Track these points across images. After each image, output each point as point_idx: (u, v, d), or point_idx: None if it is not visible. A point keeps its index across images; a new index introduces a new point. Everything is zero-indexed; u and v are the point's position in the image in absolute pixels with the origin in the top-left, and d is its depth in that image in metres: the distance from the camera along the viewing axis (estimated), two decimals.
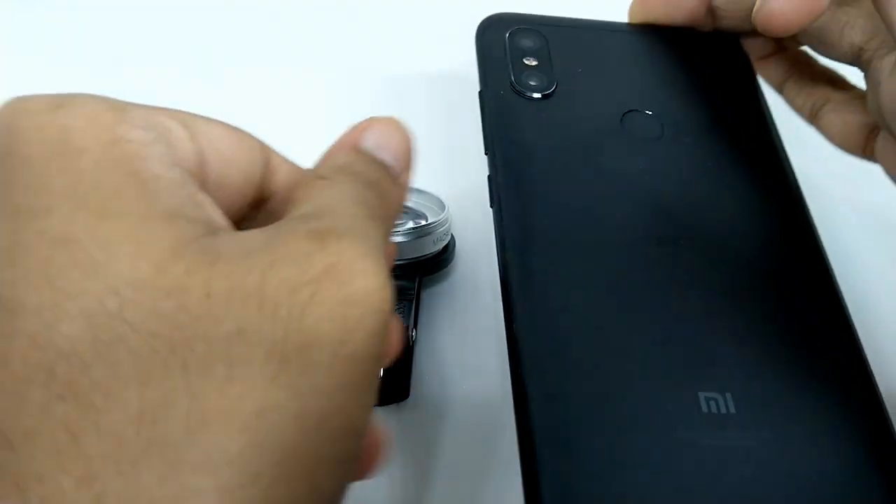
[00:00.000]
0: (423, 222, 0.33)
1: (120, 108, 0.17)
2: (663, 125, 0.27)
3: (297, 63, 0.41)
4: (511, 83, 0.27)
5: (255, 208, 0.21)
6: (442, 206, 0.33)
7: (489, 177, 0.26)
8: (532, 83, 0.27)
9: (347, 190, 0.18)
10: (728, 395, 0.21)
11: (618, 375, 0.21)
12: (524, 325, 0.22)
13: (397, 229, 0.31)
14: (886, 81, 0.26)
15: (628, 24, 0.31)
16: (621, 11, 0.32)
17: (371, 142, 0.20)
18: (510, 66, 0.28)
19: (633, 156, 0.26)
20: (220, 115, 0.20)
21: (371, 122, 0.21)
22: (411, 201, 0.34)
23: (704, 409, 0.21)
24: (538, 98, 0.27)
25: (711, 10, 0.31)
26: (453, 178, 0.34)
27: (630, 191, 0.25)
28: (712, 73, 0.30)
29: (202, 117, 0.19)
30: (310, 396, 0.15)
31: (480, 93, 0.27)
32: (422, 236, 0.32)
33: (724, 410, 0.21)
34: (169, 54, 0.41)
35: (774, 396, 0.22)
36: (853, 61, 0.29)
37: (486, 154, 0.26)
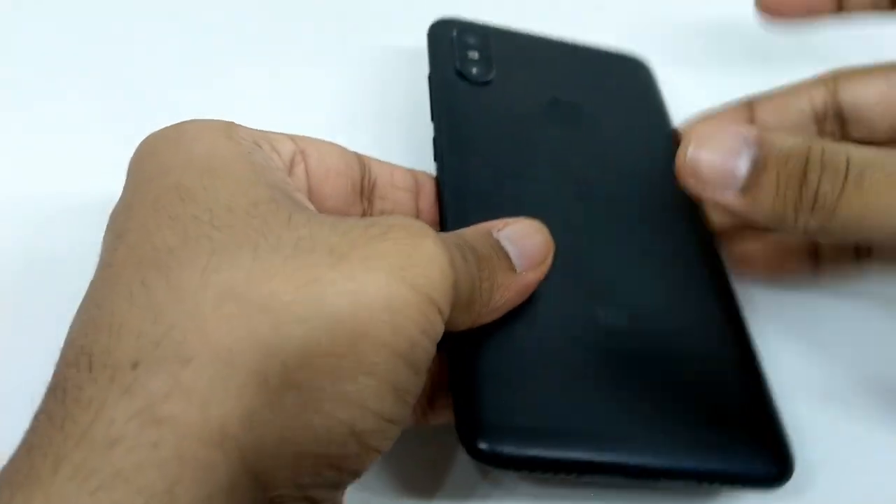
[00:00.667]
0: None
1: (229, 123, 0.22)
2: (581, 113, 0.32)
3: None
4: (455, 69, 0.31)
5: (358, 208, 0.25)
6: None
7: (434, 138, 0.29)
8: (473, 70, 0.31)
9: (450, 238, 0.22)
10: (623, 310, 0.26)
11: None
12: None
13: None
14: None
15: (560, 41, 0.35)
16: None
17: (506, 231, 0.23)
18: (455, 54, 0.31)
19: (553, 131, 0.31)
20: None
21: (517, 219, 0.24)
22: None
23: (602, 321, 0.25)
24: (477, 84, 0.31)
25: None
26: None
27: (548, 157, 0.30)
28: (626, 89, 0.35)
29: (309, 137, 0.24)
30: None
31: (428, 77, 0.31)
32: None
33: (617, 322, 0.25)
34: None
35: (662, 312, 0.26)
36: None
37: (431, 121, 0.29)
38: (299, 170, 0.23)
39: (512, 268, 0.23)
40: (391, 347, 0.18)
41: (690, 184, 0.24)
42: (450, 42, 0.32)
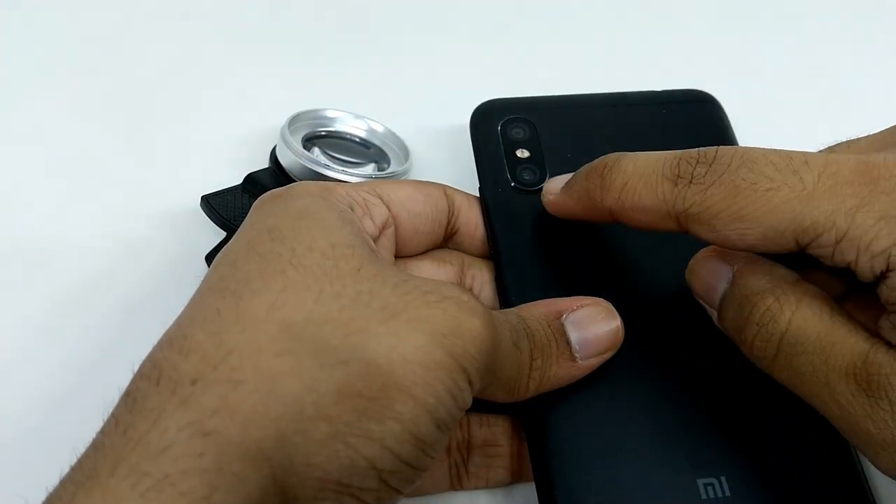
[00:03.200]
0: (387, 166, 0.34)
1: (327, 185, 0.24)
2: None
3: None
4: (507, 179, 0.29)
5: (448, 240, 0.28)
6: (407, 154, 0.34)
7: (496, 279, 0.27)
8: (526, 177, 0.29)
9: (509, 318, 0.23)
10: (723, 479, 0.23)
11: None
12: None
13: (357, 171, 0.33)
14: None
15: (609, 95, 0.32)
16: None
17: (574, 316, 0.24)
18: (506, 163, 0.29)
19: (628, 244, 0.28)
20: None
21: (588, 302, 0.24)
22: (378, 140, 0.35)
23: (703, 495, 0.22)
24: (533, 191, 0.28)
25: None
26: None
27: (627, 278, 0.27)
28: (697, 130, 0.31)
29: (393, 183, 0.27)
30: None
31: (480, 187, 0.29)
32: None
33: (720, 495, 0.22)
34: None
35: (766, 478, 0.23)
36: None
37: (489, 256, 0.28)
38: (389, 232, 0.26)
39: (571, 357, 0.23)
40: (419, 400, 0.19)
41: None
42: (496, 141, 0.30)
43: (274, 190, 0.24)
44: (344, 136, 0.35)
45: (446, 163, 0.35)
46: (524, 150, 0.30)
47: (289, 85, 0.39)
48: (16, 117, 0.37)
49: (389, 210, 0.26)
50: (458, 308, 0.21)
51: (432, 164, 0.35)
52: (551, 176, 0.28)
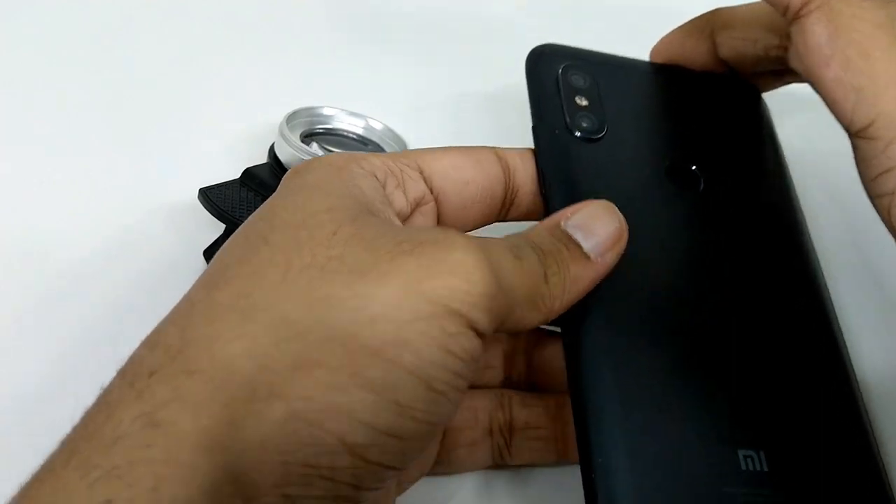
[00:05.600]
0: None
1: (355, 155, 0.23)
2: (702, 179, 0.28)
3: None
4: (566, 124, 0.27)
5: (507, 211, 0.26)
6: (404, 147, 0.35)
7: (543, 196, 0.26)
8: (585, 125, 0.28)
9: (504, 241, 0.22)
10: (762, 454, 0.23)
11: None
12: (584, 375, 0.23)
13: None
14: None
15: (672, 67, 0.32)
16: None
17: (573, 220, 0.23)
18: (563, 105, 0.28)
19: (675, 209, 0.27)
20: None
21: (584, 203, 0.23)
22: (376, 137, 0.35)
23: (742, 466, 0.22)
24: (590, 140, 0.27)
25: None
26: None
27: (664, 228, 0.27)
28: (740, 127, 0.31)
29: (435, 151, 0.25)
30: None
31: (534, 127, 0.28)
32: None
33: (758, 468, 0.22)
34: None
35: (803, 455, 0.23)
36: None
37: (541, 195, 0.26)
38: (427, 209, 0.24)
39: (584, 256, 0.22)
40: (393, 362, 0.18)
41: None
42: (554, 84, 0.28)
43: (303, 162, 0.23)
44: (341, 132, 0.35)
45: None
46: (583, 98, 0.28)
47: (287, 81, 0.39)
48: (11, 111, 0.37)
49: (431, 184, 0.24)
50: (435, 248, 0.19)
51: None
52: (610, 129, 0.28)
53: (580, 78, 0.29)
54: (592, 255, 0.22)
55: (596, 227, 0.23)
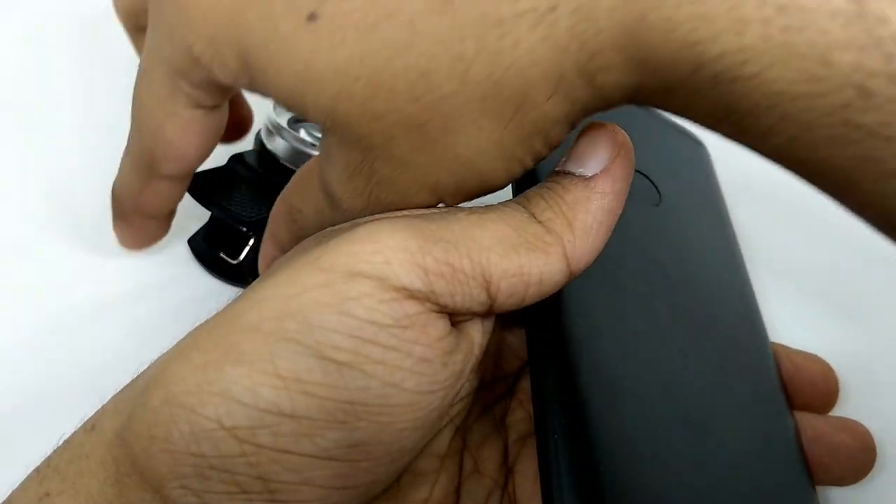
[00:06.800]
0: None
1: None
2: (660, 193, 0.28)
3: None
4: None
5: None
6: None
7: None
8: None
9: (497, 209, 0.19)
10: None
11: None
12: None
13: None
14: None
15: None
16: None
17: (572, 157, 0.20)
18: None
19: (634, 216, 0.26)
20: None
21: (580, 135, 0.20)
22: None
23: None
24: None
25: None
26: None
27: (631, 250, 0.25)
28: (692, 163, 0.32)
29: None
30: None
31: None
32: None
33: None
34: None
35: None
36: None
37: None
38: None
39: (580, 178, 0.19)
40: (272, 333, 0.16)
41: None
42: None
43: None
44: None
45: None
46: None
47: None
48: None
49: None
50: (352, 236, 0.18)
51: None
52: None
53: None
54: (590, 175, 0.19)
55: (589, 154, 0.19)
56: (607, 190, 0.19)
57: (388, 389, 0.17)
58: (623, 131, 0.20)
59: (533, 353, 0.21)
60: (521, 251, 0.18)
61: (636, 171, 0.26)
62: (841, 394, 0.27)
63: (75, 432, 0.18)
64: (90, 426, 0.18)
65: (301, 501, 0.17)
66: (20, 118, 0.35)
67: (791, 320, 0.31)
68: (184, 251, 0.30)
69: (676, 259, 0.26)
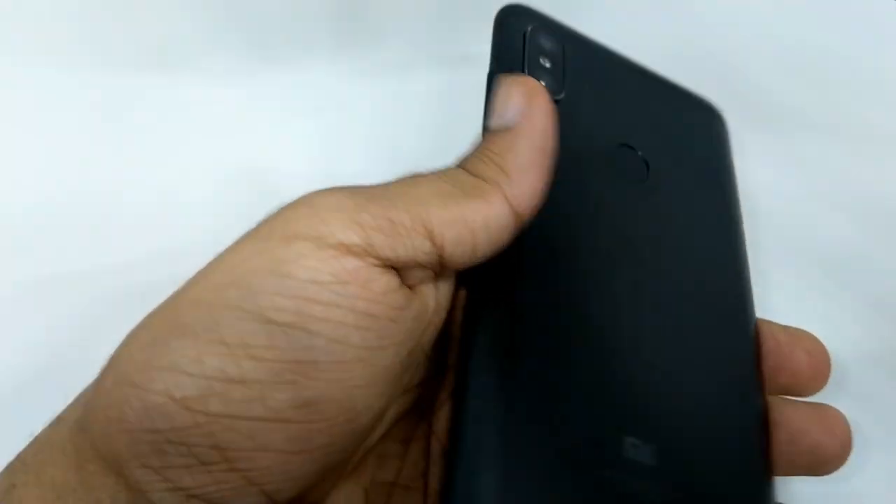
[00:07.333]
0: None
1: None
2: (648, 168, 0.27)
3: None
4: (523, 73, 0.26)
5: None
6: None
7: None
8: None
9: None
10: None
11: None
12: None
13: None
14: None
15: (638, 65, 0.30)
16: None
17: (491, 115, 0.21)
18: (525, 60, 0.26)
19: (616, 190, 0.26)
20: None
21: (493, 94, 0.21)
22: None
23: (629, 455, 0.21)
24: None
25: None
26: None
27: (601, 210, 0.25)
28: (693, 135, 0.30)
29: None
30: None
31: (490, 73, 0.26)
32: None
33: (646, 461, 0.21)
34: None
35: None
36: None
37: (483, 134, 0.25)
38: None
39: (499, 129, 0.20)
40: (212, 303, 0.17)
41: None
42: (521, 39, 0.27)
43: None
44: None
45: None
46: (547, 60, 0.27)
47: None
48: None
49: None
50: (292, 209, 0.18)
51: None
52: (567, 95, 0.26)
53: (548, 41, 0.28)
54: (513, 125, 0.20)
55: (502, 106, 0.21)
56: (532, 130, 0.20)
57: (334, 346, 0.17)
58: (532, 78, 0.21)
59: (466, 315, 0.20)
60: (461, 199, 0.18)
61: (623, 144, 0.27)
62: (851, 380, 0.25)
63: (43, 428, 0.18)
64: (56, 420, 0.18)
65: (260, 469, 0.17)
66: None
67: (810, 308, 0.30)
68: None
69: (654, 238, 0.26)
